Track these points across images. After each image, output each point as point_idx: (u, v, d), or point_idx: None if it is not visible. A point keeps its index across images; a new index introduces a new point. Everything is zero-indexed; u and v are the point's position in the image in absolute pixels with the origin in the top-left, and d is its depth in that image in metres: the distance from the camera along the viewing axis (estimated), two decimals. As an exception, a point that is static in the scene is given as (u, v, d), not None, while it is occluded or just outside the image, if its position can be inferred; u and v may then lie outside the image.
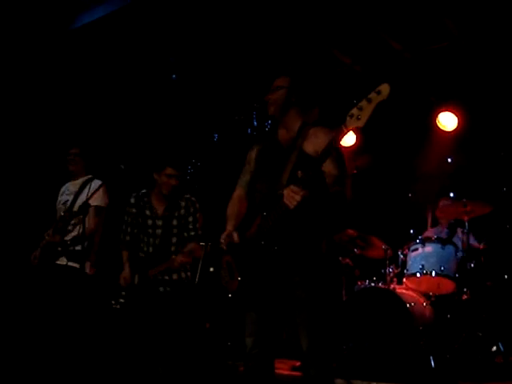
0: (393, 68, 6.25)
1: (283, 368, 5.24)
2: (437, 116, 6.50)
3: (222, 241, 3.47)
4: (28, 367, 4.67)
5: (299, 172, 3.06)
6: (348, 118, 2.96)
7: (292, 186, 3.05)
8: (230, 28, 5.92)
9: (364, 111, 2.92)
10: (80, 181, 5.23)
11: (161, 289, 4.74)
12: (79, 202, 5.03)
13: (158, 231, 4.83)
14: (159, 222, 4.84)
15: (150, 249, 4.82)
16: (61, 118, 6.70)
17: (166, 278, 4.75)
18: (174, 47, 6.32)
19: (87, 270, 5.03)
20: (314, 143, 3.32)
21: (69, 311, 4.78)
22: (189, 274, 4.79)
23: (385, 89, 2.91)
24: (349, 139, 6.53)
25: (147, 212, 4.87)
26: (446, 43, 6.01)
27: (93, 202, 4.90)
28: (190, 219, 4.84)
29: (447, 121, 6.49)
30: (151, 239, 4.83)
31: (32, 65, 6.40)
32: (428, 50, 6.14)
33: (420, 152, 6.52)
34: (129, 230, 4.92)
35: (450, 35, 5.89)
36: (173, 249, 4.80)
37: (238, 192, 3.68)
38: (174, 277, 4.75)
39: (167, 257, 4.72)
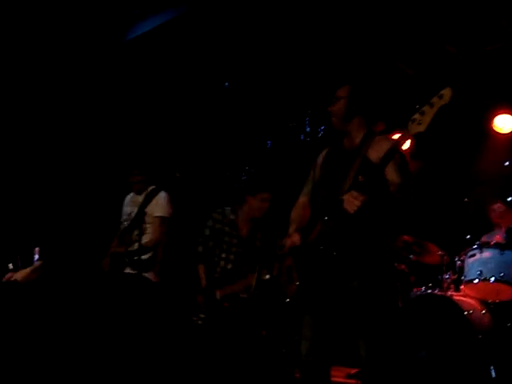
0: (447, 71, 6.18)
1: (338, 375, 5.23)
2: (493, 119, 6.41)
3: (285, 244, 3.51)
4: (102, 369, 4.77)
5: (360, 177, 3.09)
6: (410, 123, 2.97)
7: (352, 191, 3.09)
8: (282, 35, 5.94)
9: (425, 116, 2.93)
10: (144, 194, 5.30)
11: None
12: (144, 213, 5.13)
13: (240, 250, 4.93)
14: (242, 242, 4.94)
15: (229, 266, 4.92)
16: (117, 130, 6.84)
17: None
18: (226, 55, 6.39)
19: (151, 279, 5.12)
20: (378, 150, 3.32)
21: (140, 318, 4.89)
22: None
23: (447, 93, 2.91)
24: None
25: (231, 230, 4.97)
26: (500, 44, 5.92)
27: (157, 212, 5.14)
28: (272, 241, 4.88)
29: (503, 123, 6.38)
30: (231, 256, 4.92)
31: (87, 78, 6.54)
32: (483, 52, 6.05)
33: (476, 156, 6.43)
34: (206, 243, 5.00)
35: (505, 35, 5.79)
36: (253, 268, 4.84)
37: (302, 199, 3.74)
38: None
39: (244, 276, 4.84)
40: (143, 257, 5.09)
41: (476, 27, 5.71)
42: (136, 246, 5.09)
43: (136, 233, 5.12)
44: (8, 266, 3.53)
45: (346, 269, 3.28)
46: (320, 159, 3.69)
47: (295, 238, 3.46)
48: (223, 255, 4.93)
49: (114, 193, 5.92)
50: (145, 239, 5.08)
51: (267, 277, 4.48)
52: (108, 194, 6.43)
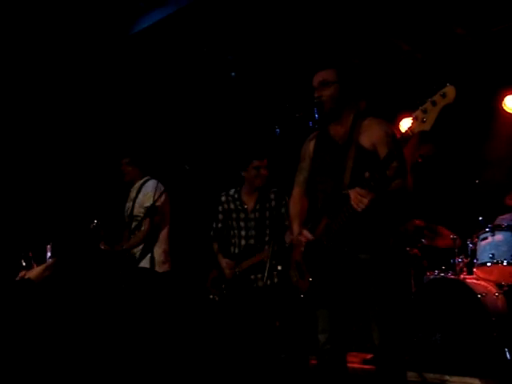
0: (456, 53, 6.13)
1: (354, 361, 5.23)
2: (503, 99, 6.34)
3: (297, 242, 3.50)
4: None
5: (366, 173, 3.03)
6: (413, 121, 2.91)
7: (358, 190, 3.04)
8: (288, 23, 5.88)
9: (429, 114, 2.84)
10: (137, 185, 5.38)
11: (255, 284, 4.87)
12: (136, 205, 5.22)
13: (251, 224, 4.95)
14: (251, 215, 4.95)
15: (242, 241, 4.94)
16: (123, 123, 6.83)
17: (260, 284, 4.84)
18: (231, 45, 6.37)
19: (157, 269, 5.13)
20: (370, 136, 3.33)
21: (145, 310, 4.94)
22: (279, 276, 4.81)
23: (450, 92, 2.82)
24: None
25: (239, 207, 4.99)
26: (508, 24, 5.84)
27: (146, 202, 5.14)
28: (283, 210, 4.88)
29: (514, 104, 6.33)
30: (243, 232, 4.95)
31: (93, 72, 6.54)
32: (491, 32, 5.97)
33: (487, 137, 6.37)
34: (219, 225, 5.09)
35: (512, 15, 5.72)
36: (267, 239, 4.90)
37: (297, 190, 3.73)
38: (268, 282, 4.75)
39: (261, 249, 4.84)
40: (135, 250, 5.15)
41: (483, 8, 5.63)
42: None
43: (133, 226, 5.20)
44: (21, 264, 3.54)
45: (357, 262, 3.29)
46: (310, 148, 3.64)
47: (308, 236, 3.44)
48: (237, 233, 4.99)
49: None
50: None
51: (279, 268, 4.50)
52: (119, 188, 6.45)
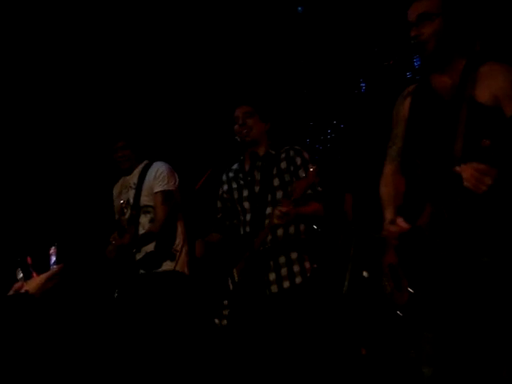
0: None
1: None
2: None
3: (387, 234, 3.35)
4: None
5: (485, 141, 2.75)
6: None
7: (476, 165, 2.76)
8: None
9: None
10: (136, 172, 5.45)
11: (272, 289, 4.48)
12: (144, 193, 5.27)
13: (253, 198, 4.63)
14: (257, 189, 4.62)
15: (247, 228, 4.60)
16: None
17: (274, 289, 4.46)
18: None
19: (185, 271, 5.21)
20: (490, 87, 3.14)
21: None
22: (308, 275, 4.44)
23: None
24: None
25: (241, 182, 4.71)
26: None
27: (157, 187, 5.24)
28: (303, 175, 4.41)
29: None
30: (248, 216, 4.63)
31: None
32: None
33: None
34: (218, 216, 4.86)
35: None
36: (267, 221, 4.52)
37: (390, 166, 3.62)
38: (286, 285, 4.44)
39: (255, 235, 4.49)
40: (150, 246, 5.18)
41: None
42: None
43: (145, 219, 5.27)
44: (16, 274, 3.46)
45: (479, 266, 3.08)
46: (406, 107, 3.47)
47: (402, 225, 3.25)
48: (241, 217, 4.69)
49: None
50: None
51: (365, 274, 4.30)
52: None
